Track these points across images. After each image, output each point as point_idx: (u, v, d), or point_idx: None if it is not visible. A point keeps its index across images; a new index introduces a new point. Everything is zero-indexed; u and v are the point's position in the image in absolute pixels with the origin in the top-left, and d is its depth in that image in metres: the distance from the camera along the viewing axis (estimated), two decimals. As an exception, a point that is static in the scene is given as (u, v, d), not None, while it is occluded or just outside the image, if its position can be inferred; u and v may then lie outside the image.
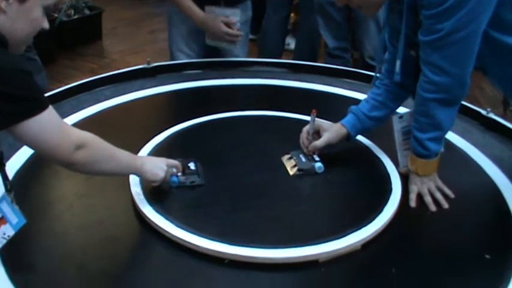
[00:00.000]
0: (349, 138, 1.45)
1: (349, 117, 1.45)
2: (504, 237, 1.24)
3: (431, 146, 1.32)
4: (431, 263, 1.16)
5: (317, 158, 1.42)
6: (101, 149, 1.14)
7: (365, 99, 1.47)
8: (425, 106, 1.30)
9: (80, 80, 1.87)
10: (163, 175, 1.26)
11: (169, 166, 1.29)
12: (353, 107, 1.46)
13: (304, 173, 1.39)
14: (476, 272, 1.15)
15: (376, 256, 1.18)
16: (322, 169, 1.40)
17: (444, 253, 1.19)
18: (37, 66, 2.76)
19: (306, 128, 1.45)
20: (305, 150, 1.44)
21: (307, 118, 1.44)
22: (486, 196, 1.41)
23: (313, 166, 1.39)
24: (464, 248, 1.22)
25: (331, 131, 1.44)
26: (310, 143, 1.43)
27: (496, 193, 1.38)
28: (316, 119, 1.43)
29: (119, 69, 1.97)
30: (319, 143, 1.42)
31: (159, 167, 1.26)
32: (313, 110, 1.42)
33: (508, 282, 1.11)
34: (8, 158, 1.42)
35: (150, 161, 1.27)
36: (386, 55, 1.45)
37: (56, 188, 1.40)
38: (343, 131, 1.44)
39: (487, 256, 1.17)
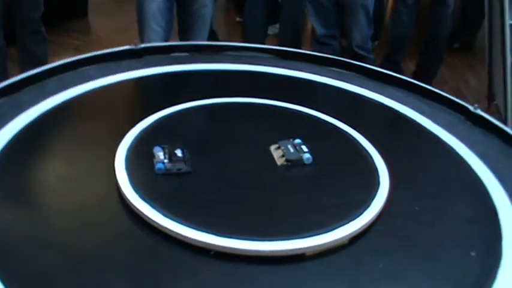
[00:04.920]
0: None
1: None
2: (489, 234, 1.24)
3: None
4: (417, 259, 1.16)
5: (305, 149, 1.40)
6: None
7: None
8: None
9: (64, 56, 1.82)
10: None
11: None
12: None
13: (292, 163, 1.38)
14: (461, 269, 1.14)
15: (364, 250, 1.17)
16: (311, 160, 1.38)
17: (430, 249, 1.19)
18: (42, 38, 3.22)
19: None
20: None
21: (295, 107, 1.43)
22: (472, 192, 1.42)
23: (301, 157, 1.38)
24: (449, 245, 1.22)
25: None
26: None
27: (481, 190, 1.38)
28: None
29: (104, 46, 1.93)
30: None
31: None
32: None
33: (494, 279, 1.11)
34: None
35: None
36: None
37: (37, 172, 1.37)
38: None
39: (473, 253, 1.17)
